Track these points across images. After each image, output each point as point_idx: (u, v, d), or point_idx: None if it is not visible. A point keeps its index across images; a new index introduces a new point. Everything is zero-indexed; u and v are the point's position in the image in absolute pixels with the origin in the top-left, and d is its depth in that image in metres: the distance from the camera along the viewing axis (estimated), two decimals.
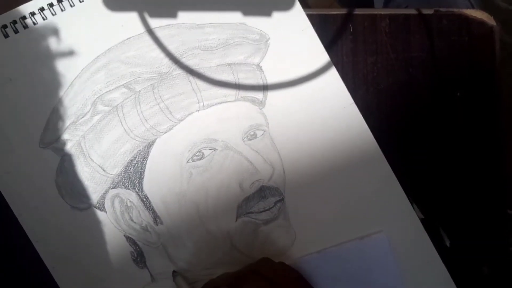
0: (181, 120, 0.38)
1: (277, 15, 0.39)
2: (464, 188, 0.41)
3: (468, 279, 0.40)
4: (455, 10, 0.41)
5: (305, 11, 0.39)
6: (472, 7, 0.57)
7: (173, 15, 0.38)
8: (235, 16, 0.39)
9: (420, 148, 0.41)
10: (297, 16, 0.39)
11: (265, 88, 0.39)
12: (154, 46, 0.38)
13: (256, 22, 0.39)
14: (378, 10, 0.42)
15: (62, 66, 0.38)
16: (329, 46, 0.40)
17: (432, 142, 0.41)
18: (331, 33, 0.40)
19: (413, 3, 0.58)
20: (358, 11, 0.41)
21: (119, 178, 0.38)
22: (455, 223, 0.41)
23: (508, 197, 0.41)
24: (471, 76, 0.41)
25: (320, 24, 0.40)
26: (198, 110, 0.38)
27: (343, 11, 0.41)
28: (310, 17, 0.39)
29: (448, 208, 0.41)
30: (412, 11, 0.41)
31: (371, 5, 0.73)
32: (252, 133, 0.39)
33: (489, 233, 0.41)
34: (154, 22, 0.38)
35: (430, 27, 0.41)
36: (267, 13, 0.39)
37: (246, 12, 0.39)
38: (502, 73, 0.41)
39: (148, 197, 0.38)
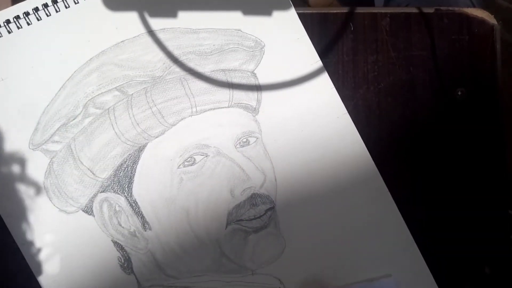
0: (173, 125, 0.38)
1: (273, 23, 0.39)
2: (465, 187, 0.41)
3: (470, 280, 0.40)
4: (456, 9, 0.41)
5: (305, 10, 0.39)
6: (473, 6, 0.56)
7: (173, 15, 0.38)
8: (232, 20, 0.39)
9: (421, 147, 0.40)
10: (293, 24, 0.39)
11: (259, 95, 0.39)
12: (148, 49, 0.38)
13: (252, 29, 0.39)
14: (379, 9, 0.42)
15: (55, 67, 0.37)
16: (329, 45, 0.40)
17: (432, 141, 0.41)
18: (331, 31, 0.40)
19: (413, 1, 0.58)
20: (359, 10, 0.41)
21: (109, 182, 0.37)
22: (456, 223, 0.40)
23: (510, 197, 0.41)
24: (472, 75, 0.41)
25: (320, 23, 0.40)
26: (191, 115, 0.38)
27: (343, 9, 0.41)
28: (310, 16, 0.39)
29: (449, 207, 0.40)
30: (413, 10, 0.41)
31: (371, 3, 0.73)
32: (244, 140, 0.39)
33: (491, 234, 0.40)
34: (153, 22, 0.38)
35: (430, 26, 0.41)
36: (264, 18, 0.39)
37: (245, 13, 0.39)
38: (503, 72, 0.41)
39: (137, 202, 0.38)
